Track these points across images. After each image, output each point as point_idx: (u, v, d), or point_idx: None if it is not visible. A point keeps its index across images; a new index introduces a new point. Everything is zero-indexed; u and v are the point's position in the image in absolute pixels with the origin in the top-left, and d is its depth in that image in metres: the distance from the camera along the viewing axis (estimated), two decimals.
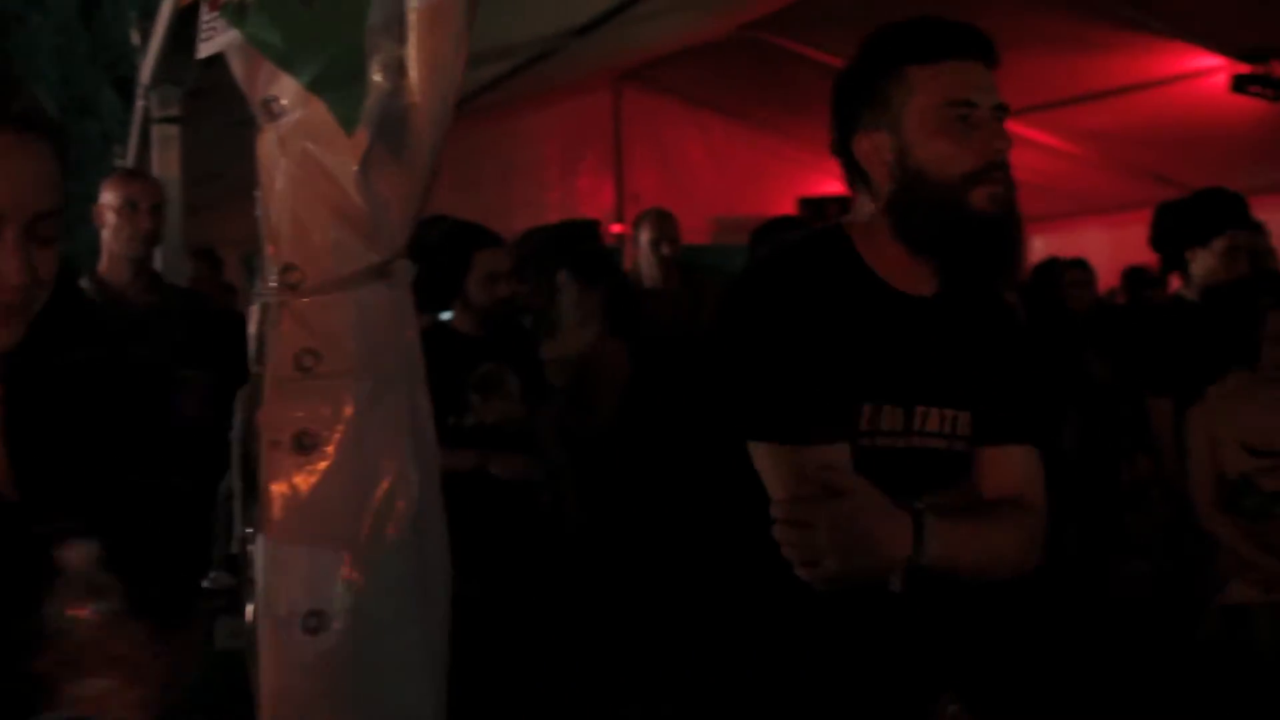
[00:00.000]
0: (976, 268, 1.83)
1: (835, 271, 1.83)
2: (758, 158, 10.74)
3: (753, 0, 7.01)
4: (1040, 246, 11.25)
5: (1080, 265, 6.61)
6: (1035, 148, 9.12)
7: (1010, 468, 1.92)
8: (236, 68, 1.75)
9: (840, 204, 11.39)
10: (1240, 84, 6.84)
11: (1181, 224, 3.91)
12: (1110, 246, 10.45)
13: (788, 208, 10.53)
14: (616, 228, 10.61)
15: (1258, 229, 3.89)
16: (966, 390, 1.87)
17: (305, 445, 1.73)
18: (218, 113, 1.51)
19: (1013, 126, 6.86)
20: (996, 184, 1.77)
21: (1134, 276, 8.58)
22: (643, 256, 5.27)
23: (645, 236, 5.25)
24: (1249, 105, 7.01)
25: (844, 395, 1.77)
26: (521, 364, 3.99)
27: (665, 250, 5.17)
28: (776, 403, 1.77)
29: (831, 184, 11.15)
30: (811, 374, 1.75)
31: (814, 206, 10.37)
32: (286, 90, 1.64)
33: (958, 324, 1.89)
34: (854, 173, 1.88)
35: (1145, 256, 8.91)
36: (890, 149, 1.80)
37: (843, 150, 1.89)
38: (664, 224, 5.27)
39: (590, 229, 4.84)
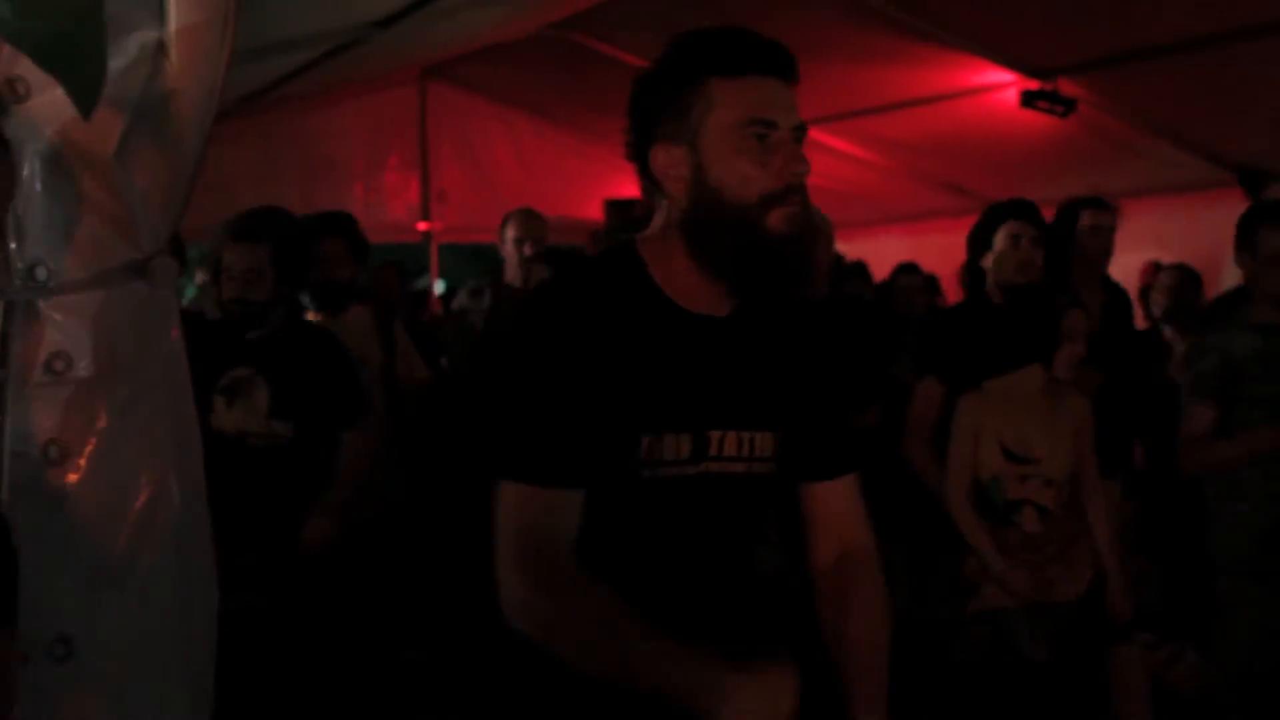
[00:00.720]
0: (770, 288, 1.78)
1: (619, 293, 1.77)
2: (565, 158, 10.71)
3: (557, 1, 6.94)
4: (842, 253, 11.53)
5: (912, 270, 6.72)
6: (836, 156, 9.31)
7: (839, 504, 1.95)
8: None
9: (646, 206, 11.56)
10: (1029, 100, 7.09)
11: (972, 238, 4.00)
12: (908, 254, 10.71)
13: (594, 209, 10.53)
14: (422, 225, 10.44)
15: (1040, 223, 3.94)
16: (768, 411, 1.84)
17: (54, 456, 1.58)
18: None
19: (815, 134, 6.95)
20: (794, 205, 1.72)
21: (928, 285, 8.81)
22: (507, 255, 5.16)
23: (510, 235, 5.14)
24: (1038, 120, 7.27)
25: (616, 427, 1.71)
26: (284, 375, 3.65)
27: (528, 250, 5.06)
28: (522, 438, 1.72)
29: (638, 186, 11.16)
30: (570, 408, 1.69)
31: (620, 208, 10.38)
32: (33, 69, 1.49)
33: (757, 343, 1.84)
34: (649, 182, 1.81)
35: (941, 264, 9.21)
36: (687, 165, 1.73)
37: (639, 158, 1.81)
38: (529, 223, 5.15)
39: (343, 222, 4.63)
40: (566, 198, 10.70)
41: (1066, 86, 7.09)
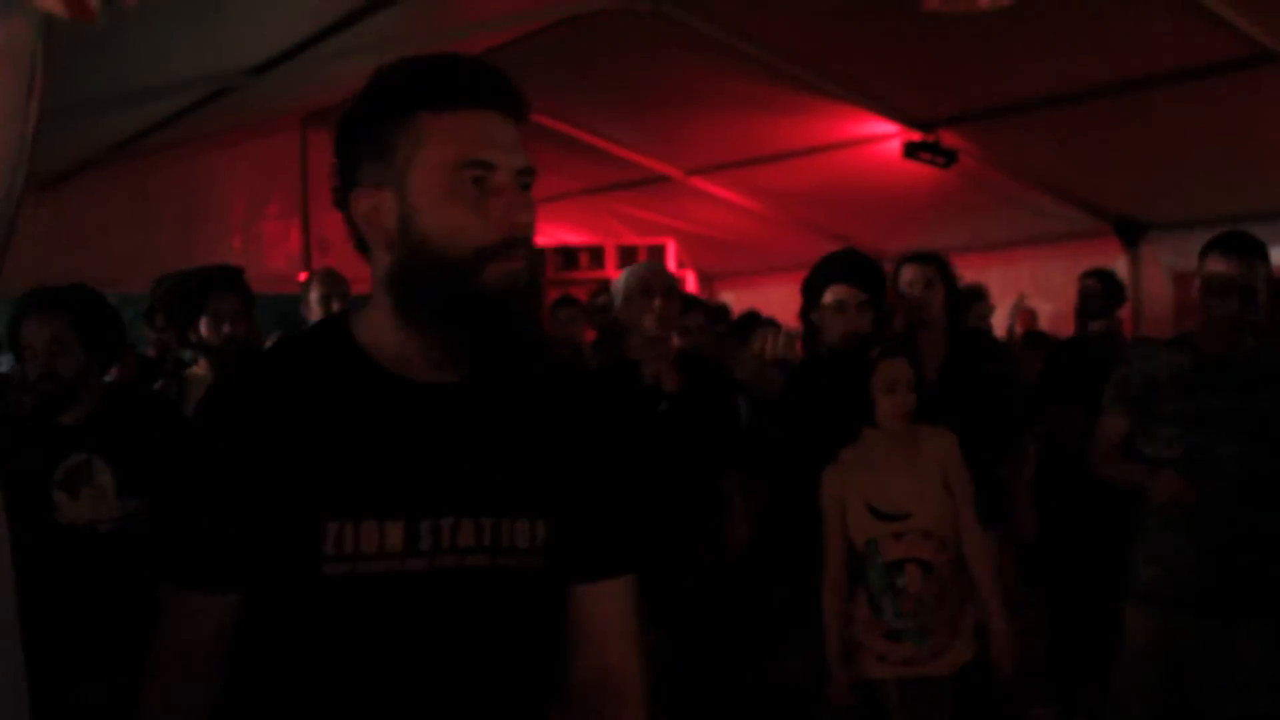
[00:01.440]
0: (488, 354, 1.51)
1: (312, 364, 1.53)
2: None
3: (440, 47, 6.83)
4: (729, 301, 11.55)
5: (773, 326, 6.62)
6: (723, 205, 9.34)
7: (602, 614, 1.64)
8: None
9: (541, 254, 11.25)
10: (911, 150, 7.15)
11: (804, 289, 3.90)
12: (795, 303, 10.76)
13: None
14: (303, 275, 10.18)
15: (870, 283, 3.81)
16: (520, 494, 1.55)
17: None
18: None
19: (702, 184, 6.99)
20: (516, 260, 1.48)
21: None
22: (311, 315, 5.01)
23: (314, 294, 5.00)
24: (920, 171, 7.34)
25: (292, 514, 1.45)
26: (123, 451, 3.36)
27: (335, 307, 4.92)
28: (166, 533, 1.54)
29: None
30: (213, 498, 1.49)
31: None
32: None
33: (499, 414, 1.57)
34: (355, 233, 1.55)
35: None
36: (394, 212, 1.48)
37: (343, 205, 1.55)
38: (333, 281, 5.04)
39: (229, 275, 4.42)
40: None
41: (948, 138, 7.19)
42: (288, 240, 10.23)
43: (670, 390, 3.74)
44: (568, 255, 10.52)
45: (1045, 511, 4.54)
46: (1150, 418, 3.54)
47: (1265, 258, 3.50)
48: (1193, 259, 6.99)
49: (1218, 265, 3.48)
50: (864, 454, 3.51)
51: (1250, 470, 3.40)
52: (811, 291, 3.80)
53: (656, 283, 3.80)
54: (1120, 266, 7.83)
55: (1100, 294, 6.14)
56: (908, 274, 4.29)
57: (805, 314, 3.88)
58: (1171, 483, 3.39)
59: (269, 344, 4.88)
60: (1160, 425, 3.52)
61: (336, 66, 6.81)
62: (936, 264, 4.33)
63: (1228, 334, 3.50)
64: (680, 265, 10.41)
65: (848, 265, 3.78)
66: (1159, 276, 7.62)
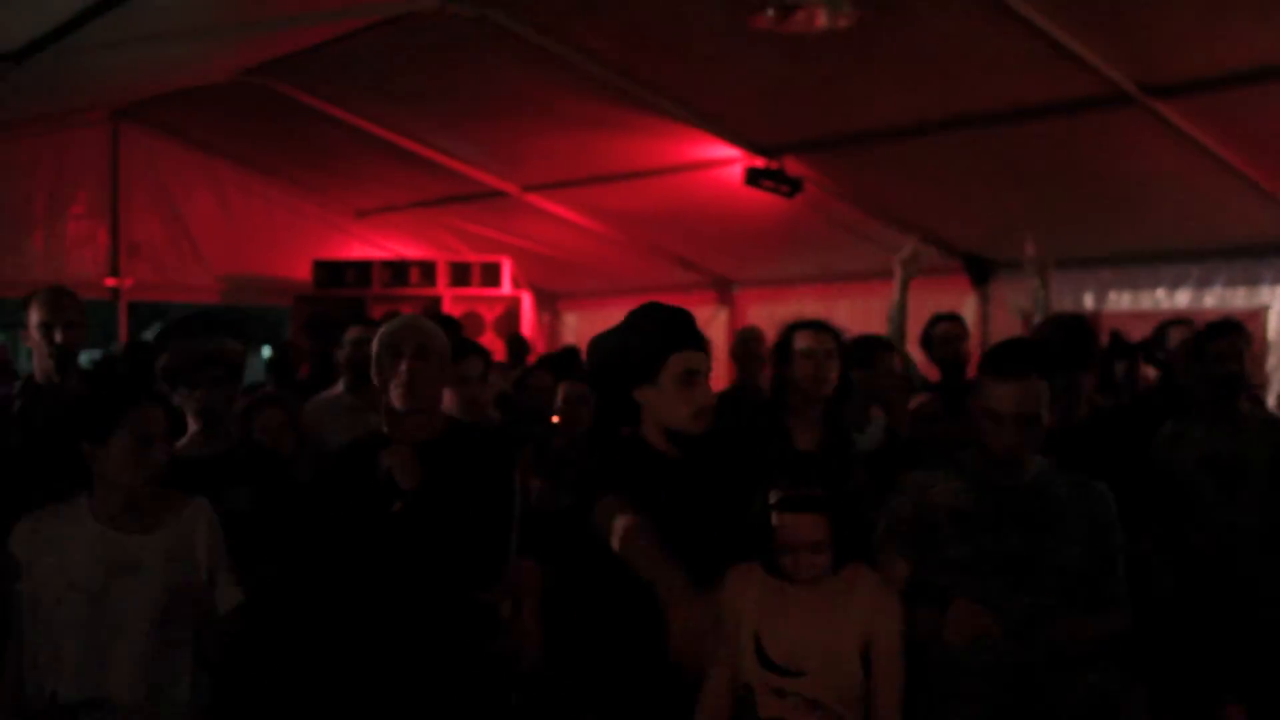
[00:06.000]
0: None
1: None
2: (273, 213, 9.98)
3: (251, 43, 6.31)
4: (572, 323, 11.15)
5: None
6: (562, 224, 8.96)
7: None
8: None
9: (358, 269, 10.64)
10: (753, 177, 6.85)
11: (625, 365, 3.01)
12: None
13: (303, 270, 9.81)
14: (110, 281, 9.44)
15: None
16: None
17: None
18: None
19: (542, 202, 6.53)
20: None
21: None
22: (34, 346, 4.06)
23: (34, 319, 4.03)
24: (765, 198, 7.05)
25: None
26: None
27: (59, 337, 3.97)
28: None
29: (351, 247, 10.56)
30: None
31: (330, 271, 9.77)
32: None
33: None
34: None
35: None
36: None
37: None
38: (59, 305, 4.05)
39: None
40: (275, 257, 10.00)
41: (792, 165, 6.90)
42: (94, 242, 9.49)
43: (408, 487, 3.04)
44: (397, 270, 9.99)
45: None
46: (927, 565, 2.96)
47: (1047, 372, 2.95)
48: None
49: (995, 391, 2.91)
50: (768, 581, 2.81)
51: (1040, 623, 2.85)
52: (644, 365, 2.92)
53: (405, 343, 3.14)
54: (969, 305, 7.64)
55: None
56: (804, 341, 3.82)
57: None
58: (966, 618, 2.74)
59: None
60: (935, 572, 2.92)
61: (142, 58, 6.22)
62: (833, 334, 3.90)
63: (1007, 467, 2.96)
64: (516, 284, 9.98)
65: (687, 325, 2.97)
66: (1007, 318, 7.43)
